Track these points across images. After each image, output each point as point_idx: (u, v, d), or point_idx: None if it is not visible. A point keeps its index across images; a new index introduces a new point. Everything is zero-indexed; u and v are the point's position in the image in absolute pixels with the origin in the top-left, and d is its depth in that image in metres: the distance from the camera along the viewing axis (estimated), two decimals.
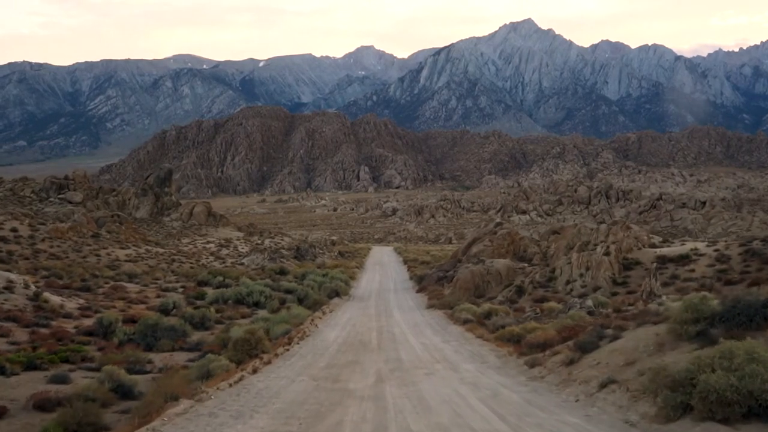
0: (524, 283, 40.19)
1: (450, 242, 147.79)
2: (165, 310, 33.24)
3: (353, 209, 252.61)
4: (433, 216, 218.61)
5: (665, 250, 41.18)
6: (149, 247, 70.27)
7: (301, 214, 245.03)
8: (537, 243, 67.00)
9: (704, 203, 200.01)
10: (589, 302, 27.12)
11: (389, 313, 38.44)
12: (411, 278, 65.82)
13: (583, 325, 19.77)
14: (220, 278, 47.78)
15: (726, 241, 43.41)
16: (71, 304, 32.59)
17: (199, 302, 37.89)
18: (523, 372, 18.18)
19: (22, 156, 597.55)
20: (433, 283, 52.65)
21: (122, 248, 66.49)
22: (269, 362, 20.46)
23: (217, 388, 16.08)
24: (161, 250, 70.57)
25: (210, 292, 41.52)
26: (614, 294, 34.74)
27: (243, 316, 33.62)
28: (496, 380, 17.39)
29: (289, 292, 43.28)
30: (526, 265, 50.57)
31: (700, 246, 41.21)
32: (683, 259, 37.90)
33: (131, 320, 28.81)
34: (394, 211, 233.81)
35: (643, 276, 37.58)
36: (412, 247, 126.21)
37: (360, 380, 18.08)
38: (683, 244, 45.13)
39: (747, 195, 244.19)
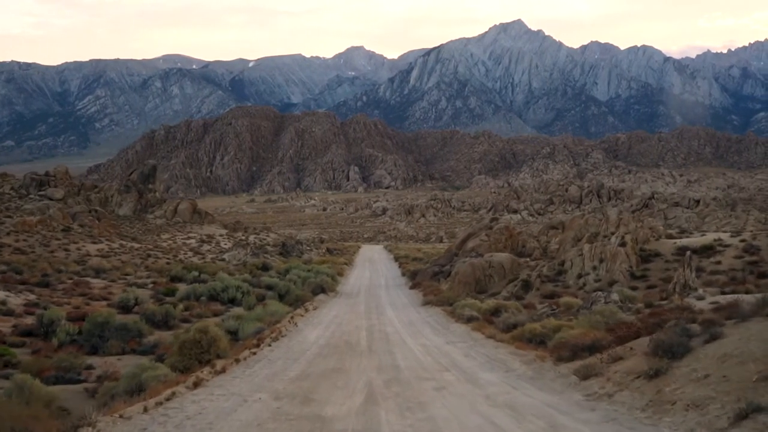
0: (531, 278, 36.33)
1: (441, 241, 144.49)
2: (125, 307, 29.31)
3: (343, 209, 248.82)
4: (423, 215, 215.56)
5: (685, 241, 37.47)
6: (124, 242, 66.09)
7: (291, 213, 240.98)
8: (535, 238, 63.59)
9: (698, 202, 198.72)
10: (615, 296, 23.30)
11: (381, 311, 34.27)
12: (403, 274, 61.73)
13: (646, 321, 15.53)
14: (195, 273, 43.66)
15: (752, 231, 39.78)
16: (16, 300, 28.56)
17: (168, 299, 33.93)
18: (572, 386, 13.47)
19: (10, 156, 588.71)
20: (428, 278, 48.72)
21: (94, 243, 62.31)
22: (223, 371, 15.93)
23: (120, 416, 11.10)
24: (137, 245, 66.39)
25: (182, 288, 37.51)
26: (633, 288, 30.94)
27: (215, 314, 29.61)
28: (541, 399, 12.73)
29: (270, 288, 39.30)
30: (527, 259, 46.78)
31: (724, 236, 37.53)
32: (707, 250, 34.21)
33: (82, 318, 24.75)
34: (384, 210, 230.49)
35: (664, 269, 33.97)
36: (402, 245, 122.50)
37: (343, 399, 13.40)
38: (703, 235, 41.45)
39: (738, 195, 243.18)
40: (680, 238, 40.03)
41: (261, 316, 25.71)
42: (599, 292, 23.85)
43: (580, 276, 34.92)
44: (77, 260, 52.20)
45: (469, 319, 25.55)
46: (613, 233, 39.49)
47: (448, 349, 20.63)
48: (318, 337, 23.57)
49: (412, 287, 49.20)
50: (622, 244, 35.06)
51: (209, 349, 16.67)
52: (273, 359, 18.57)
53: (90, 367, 17.96)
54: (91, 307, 29.94)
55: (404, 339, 23.34)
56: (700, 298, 22.37)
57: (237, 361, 17.47)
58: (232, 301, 34.17)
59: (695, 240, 37.70)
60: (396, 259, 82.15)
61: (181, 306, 30.91)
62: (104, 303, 32.25)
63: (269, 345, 20.77)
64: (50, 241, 58.76)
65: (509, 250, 55.45)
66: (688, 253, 28.40)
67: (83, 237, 63.89)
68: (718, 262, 32.86)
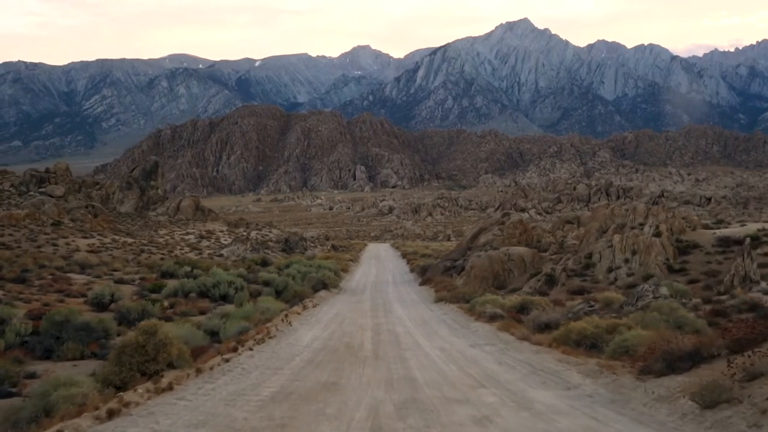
0: (555, 272, 32.84)
1: (448, 239, 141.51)
2: (100, 304, 26.03)
3: (349, 208, 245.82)
4: (430, 214, 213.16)
5: (725, 232, 34.01)
6: (117, 237, 62.79)
7: (297, 212, 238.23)
8: (550, 233, 60.49)
9: (709, 200, 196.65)
10: (664, 290, 19.86)
11: (388, 308, 30.72)
12: (412, 271, 58.17)
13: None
14: (188, 268, 40.30)
15: None
16: None
17: (154, 295, 30.64)
18: (692, 419, 9.03)
19: (18, 156, 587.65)
20: (440, 273, 45.26)
21: (85, 238, 59.01)
22: (169, 388, 11.80)
23: None
24: (130, 240, 63.10)
25: (171, 283, 34.18)
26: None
27: (202, 312, 26.25)
28: None
29: (267, 284, 35.91)
30: (547, 253, 43.35)
31: None
32: (752, 241, 30.69)
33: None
34: (391, 209, 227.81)
35: (705, 261, 30.54)
36: (410, 243, 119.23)
37: None
38: (744, 225, 37.98)
39: (747, 193, 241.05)
40: (718, 228, 36.58)
41: (249, 313, 22.25)
42: (645, 286, 20.45)
43: (610, 270, 31.46)
44: (65, 255, 49.00)
45: (492, 317, 22.06)
46: (641, 224, 36.15)
47: (474, 354, 16.80)
48: (313, 339, 19.80)
49: (422, 283, 45.65)
50: (657, 235, 31.61)
51: (157, 356, 12.66)
52: (249, 369, 14.51)
53: (32, 376, 14.65)
54: (65, 305, 26.73)
55: (418, 341, 19.62)
56: (767, 293, 18.98)
57: (198, 371, 13.51)
58: (224, 298, 30.80)
59: (736, 230, 34.23)
60: (403, 255, 78.79)
61: (165, 303, 27.65)
62: (81, 300, 29.04)
63: (250, 349, 17.00)
64: (38, 235, 55.53)
65: (524, 244, 52.21)
66: (747, 240, 25.00)
67: (74, 232, 60.63)
68: (766, 254, 29.45)
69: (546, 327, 18.46)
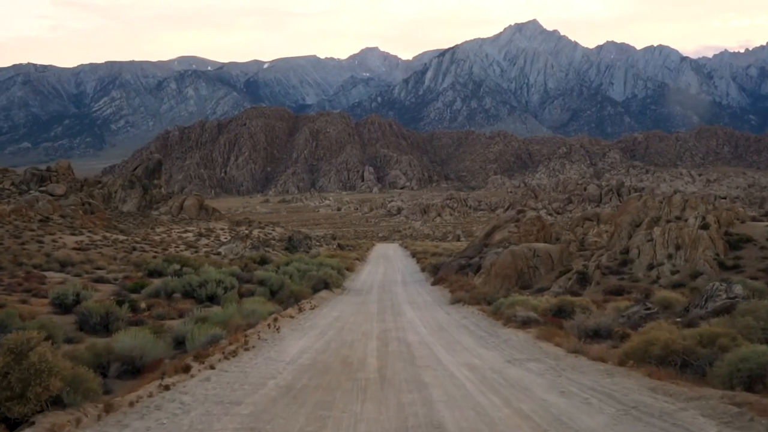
0: (588, 269, 29.05)
1: (458, 239, 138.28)
2: (63, 305, 22.48)
3: (357, 209, 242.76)
4: (439, 215, 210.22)
5: None
6: (108, 234, 59.38)
7: (304, 213, 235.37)
8: (569, 230, 57.07)
9: (725, 199, 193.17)
10: (738, 289, 16.09)
11: (398, 311, 26.88)
12: (423, 270, 54.28)
13: None
14: (177, 266, 36.71)
15: None
16: None
17: (134, 295, 27.14)
18: None
19: (27, 157, 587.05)
20: (454, 272, 41.45)
21: (74, 234, 55.62)
22: None
23: None
24: (122, 238, 59.62)
25: (154, 282, 30.62)
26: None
27: (181, 315, 22.59)
28: None
29: (263, 283, 32.28)
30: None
31: None
32: None
33: None
34: (399, 210, 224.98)
35: (761, 257, 26.76)
36: (419, 243, 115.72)
37: None
38: None
39: (760, 193, 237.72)
40: (765, 220, 32.82)
41: (229, 317, 18.47)
42: (716, 285, 16.65)
43: (651, 266, 27.68)
44: (49, 253, 45.57)
45: (524, 322, 18.13)
46: (677, 217, 32.38)
47: (518, 375, 12.15)
48: (302, 351, 15.35)
49: (434, 283, 41.60)
50: (704, 227, 27.83)
51: (25, 390, 7.87)
52: (190, 404, 9.61)
53: None
54: (33, 306, 23.28)
55: (437, 354, 15.17)
56: None
57: (106, 411, 8.68)
58: (211, 299, 27.17)
59: None
60: (413, 255, 75.12)
61: (143, 304, 24.11)
62: (47, 300, 25.53)
63: (212, 367, 12.44)
64: (23, 232, 52.20)
65: (542, 241, 48.71)
66: None
67: (62, 228, 57.26)
68: None
69: (595, 335, 14.73)
